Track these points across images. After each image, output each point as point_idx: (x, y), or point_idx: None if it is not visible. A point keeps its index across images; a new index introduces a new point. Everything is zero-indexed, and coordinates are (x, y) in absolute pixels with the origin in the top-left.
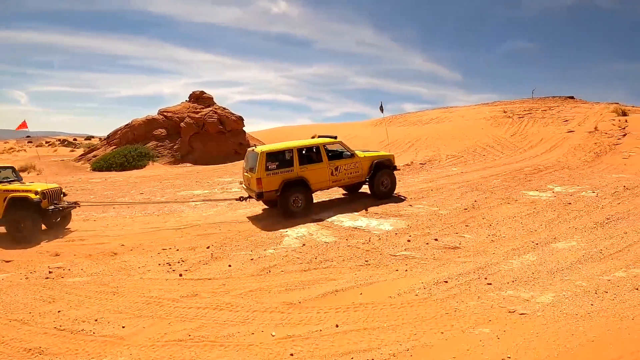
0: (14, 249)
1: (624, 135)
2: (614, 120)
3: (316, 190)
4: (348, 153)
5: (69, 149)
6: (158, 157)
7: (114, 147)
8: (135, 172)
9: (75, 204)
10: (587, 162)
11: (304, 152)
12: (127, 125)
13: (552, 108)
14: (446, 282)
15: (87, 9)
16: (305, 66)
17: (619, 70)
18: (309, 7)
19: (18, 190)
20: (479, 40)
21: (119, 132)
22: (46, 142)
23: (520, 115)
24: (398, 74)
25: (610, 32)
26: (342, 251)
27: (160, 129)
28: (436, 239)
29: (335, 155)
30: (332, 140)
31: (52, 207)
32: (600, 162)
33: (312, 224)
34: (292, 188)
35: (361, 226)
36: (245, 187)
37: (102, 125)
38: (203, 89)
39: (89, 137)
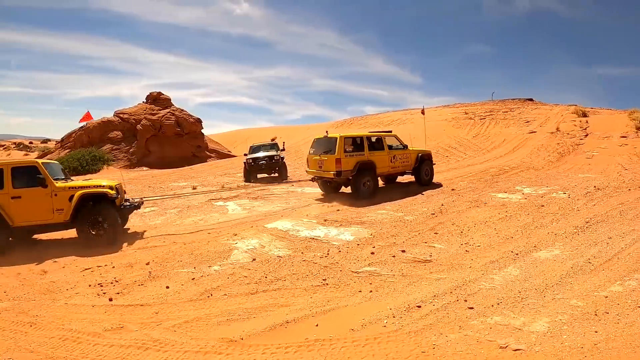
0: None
1: (586, 135)
2: (574, 121)
3: (379, 176)
4: (401, 145)
5: (23, 152)
6: (113, 160)
7: (68, 150)
8: (88, 177)
9: (141, 200)
10: (551, 162)
11: (372, 139)
12: (81, 127)
13: (512, 110)
14: (419, 306)
15: (46, 6)
16: (266, 68)
17: (574, 74)
18: (272, 9)
19: (89, 187)
20: (439, 44)
21: (74, 135)
22: (0, 146)
23: (482, 117)
24: (359, 76)
25: (566, 38)
26: (296, 267)
27: (116, 132)
28: (403, 251)
29: (390, 147)
30: (389, 133)
31: (127, 203)
32: (564, 162)
33: (264, 234)
34: (364, 172)
35: (319, 236)
36: (314, 170)
37: (60, 127)
38: (163, 91)
39: (45, 140)
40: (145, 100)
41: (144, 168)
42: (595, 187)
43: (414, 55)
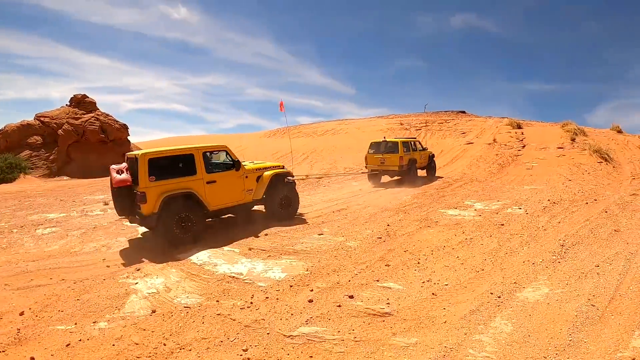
0: None
1: (523, 146)
2: (510, 132)
3: (417, 168)
4: (422, 147)
5: None
6: (32, 168)
7: None
8: (1, 187)
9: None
10: (493, 174)
11: (414, 143)
12: None
13: (447, 121)
14: None
15: None
16: (201, 75)
17: (503, 89)
18: (210, 15)
19: (275, 167)
20: (374, 57)
21: None
22: None
23: (418, 128)
24: (294, 86)
25: (497, 55)
26: (208, 326)
27: (35, 136)
28: (351, 296)
29: (421, 149)
30: (415, 139)
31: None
32: (506, 174)
33: (174, 269)
34: (413, 165)
35: (241, 274)
36: (375, 165)
37: None
38: (95, 95)
39: None
40: (69, 103)
41: (65, 177)
42: (549, 200)
43: (349, 67)
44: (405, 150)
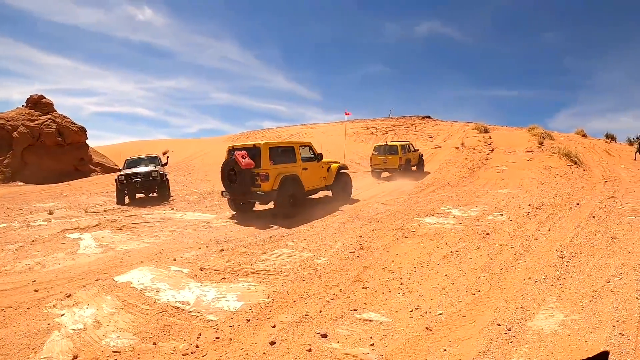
0: None
1: (492, 150)
2: (477, 136)
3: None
4: (413, 149)
5: None
6: None
7: None
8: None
9: None
10: (464, 178)
11: (408, 146)
12: None
13: (414, 125)
14: None
15: None
16: (166, 79)
17: (466, 95)
18: (176, 18)
19: (335, 162)
20: (340, 63)
21: None
22: None
23: (384, 132)
24: (259, 91)
25: (460, 61)
26: None
27: None
28: (324, 335)
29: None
30: (407, 142)
31: None
32: (477, 177)
33: (109, 296)
34: (409, 163)
35: (188, 302)
36: (379, 165)
37: None
38: (57, 97)
39: None
40: (25, 104)
41: (19, 183)
42: (530, 205)
43: (315, 73)
44: (402, 152)
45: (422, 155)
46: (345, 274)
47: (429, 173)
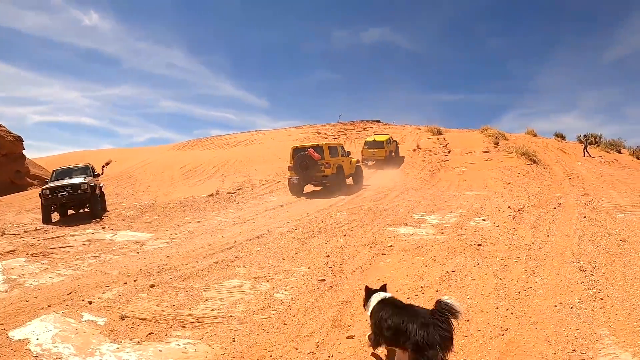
0: None
1: (449, 152)
2: (431, 138)
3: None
4: (394, 140)
5: None
6: None
7: None
8: None
9: None
10: (426, 180)
11: (391, 140)
12: None
13: (366, 129)
14: None
15: None
16: (112, 87)
17: (414, 100)
18: (122, 23)
19: (356, 159)
20: (288, 70)
21: None
22: None
23: (336, 136)
24: (208, 99)
25: (407, 67)
26: None
27: None
28: None
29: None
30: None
31: None
32: (439, 180)
33: None
34: (392, 154)
35: None
36: (369, 156)
37: None
38: None
39: None
40: None
41: None
42: (510, 207)
43: (263, 80)
44: (387, 145)
45: (398, 144)
46: (320, 314)
47: (368, 185)
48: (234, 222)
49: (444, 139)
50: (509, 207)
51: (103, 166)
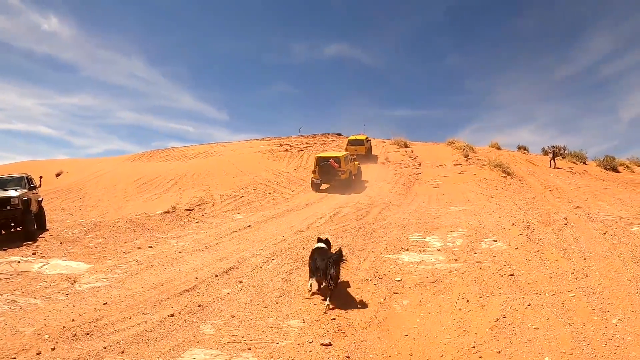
0: None
1: (419, 164)
2: (399, 151)
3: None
4: (364, 140)
5: None
6: None
7: None
8: None
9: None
10: (403, 195)
11: (369, 140)
12: None
13: (330, 142)
14: None
15: None
16: (69, 95)
17: (373, 115)
18: (82, 29)
19: (358, 162)
20: (247, 83)
21: None
22: None
23: (299, 149)
24: (166, 111)
25: (367, 82)
26: None
27: None
28: None
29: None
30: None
31: None
32: (416, 194)
33: None
34: (370, 151)
35: None
36: (351, 152)
37: None
38: None
39: None
40: None
41: None
42: (515, 225)
43: (222, 93)
44: (366, 143)
45: (370, 142)
46: None
47: (347, 204)
48: (194, 249)
49: (412, 152)
50: (513, 224)
51: (40, 177)
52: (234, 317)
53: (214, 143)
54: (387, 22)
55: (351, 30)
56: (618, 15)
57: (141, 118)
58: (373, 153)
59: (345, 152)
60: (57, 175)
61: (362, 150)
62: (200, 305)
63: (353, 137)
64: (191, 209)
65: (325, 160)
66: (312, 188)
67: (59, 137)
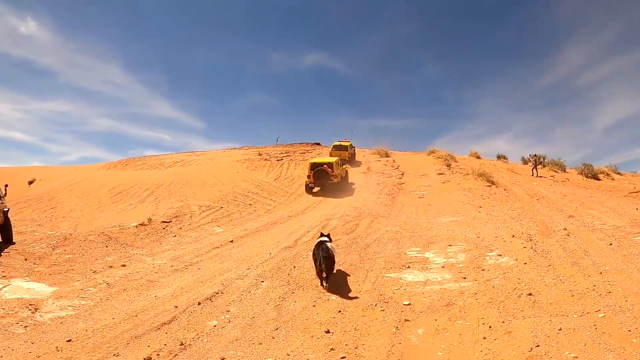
0: None
1: (402, 174)
2: (380, 160)
3: None
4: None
5: None
6: None
7: None
8: None
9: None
10: (389, 206)
11: (352, 146)
12: None
13: (309, 151)
14: None
15: None
16: (45, 101)
17: (350, 125)
18: (60, 34)
19: (347, 165)
20: (225, 92)
21: None
22: None
23: (279, 158)
24: (143, 118)
25: (345, 92)
26: None
27: None
28: None
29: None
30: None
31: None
32: (402, 205)
33: None
34: (354, 156)
35: None
36: (336, 156)
37: None
38: None
39: None
40: None
41: None
42: (515, 237)
43: (200, 101)
44: (350, 149)
45: (355, 149)
46: None
47: (334, 215)
48: (172, 268)
49: (394, 161)
50: (513, 236)
51: (6, 185)
52: (224, 359)
53: (191, 152)
54: (365, 32)
55: (330, 40)
56: (593, 27)
57: (118, 125)
58: (352, 176)
59: (337, 158)
60: (30, 183)
61: (345, 155)
62: (182, 344)
63: (338, 143)
64: (168, 221)
65: (319, 165)
66: (306, 191)
67: (34, 144)
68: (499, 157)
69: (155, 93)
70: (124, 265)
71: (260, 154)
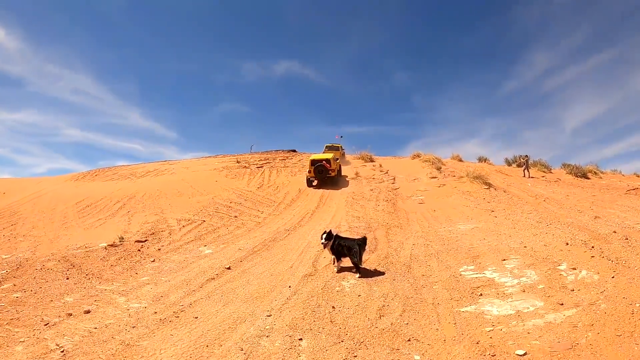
0: None
1: (394, 179)
2: (366, 165)
3: None
4: (339, 147)
5: None
6: None
7: None
8: None
9: None
10: (393, 214)
11: (341, 146)
12: None
13: (289, 157)
14: None
15: None
16: (13, 111)
17: (323, 132)
18: (29, 42)
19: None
20: (197, 101)
21: None
22: None
23: (259, 165)
24: (115, 129)
25: (316, 100)
26: None
27: None
28: None
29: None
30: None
31: None
32: (406, 212)
33: None
34: (345, 156)
35: None
36: (329, 156)
37: None
38: None
39: None
40: None
41: None
42: (568, 244)
43: (172, 110)
44: (341, 149)
45: (344, 150)
46: None
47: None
48: (156, 319)
49: (381, 166)
50: (567, 243)
51: None
52: None
53: (164, 161)
54: (335, 39)
55: (301, 49)
56: (558, 32)
57: (88, 136)
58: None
59: (332, 154)
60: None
61: (337, 154)
62: None
63: (330, 144)
64: (143, 240)
65: (318, 161)
66: (307, 184)
67: (3, 155)
68: (480, 160)
69: (127, 102)
70: (88, 312)
71: (238, 162)
